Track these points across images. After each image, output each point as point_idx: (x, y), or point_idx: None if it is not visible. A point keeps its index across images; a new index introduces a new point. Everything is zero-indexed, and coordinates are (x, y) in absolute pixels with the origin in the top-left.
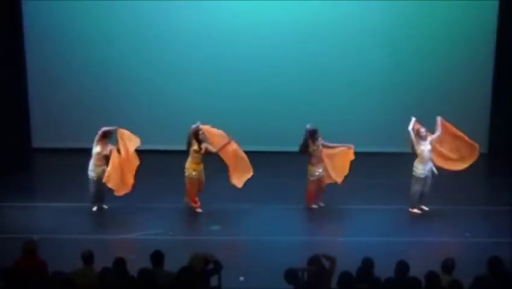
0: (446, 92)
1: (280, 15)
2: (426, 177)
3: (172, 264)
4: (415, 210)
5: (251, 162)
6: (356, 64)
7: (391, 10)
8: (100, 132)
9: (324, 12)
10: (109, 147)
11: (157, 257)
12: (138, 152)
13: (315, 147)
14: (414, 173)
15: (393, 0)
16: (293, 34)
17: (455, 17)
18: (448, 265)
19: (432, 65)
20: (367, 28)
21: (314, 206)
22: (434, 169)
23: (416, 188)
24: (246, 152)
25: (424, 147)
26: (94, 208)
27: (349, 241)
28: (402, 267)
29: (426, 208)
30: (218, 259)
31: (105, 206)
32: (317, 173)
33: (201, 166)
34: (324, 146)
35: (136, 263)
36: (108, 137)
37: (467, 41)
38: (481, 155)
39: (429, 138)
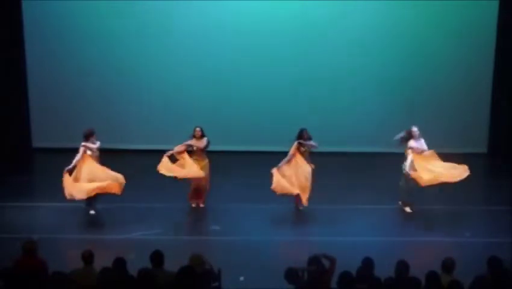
0: (446, 92)
1: (278, 16)
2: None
3: (172, 264)
4: (407, 208)
5: (251, 161)
6: (354, 64)
7: (390, 10)
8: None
9: (322, 12)
10: (97, 145)
11: (157, 257)
12: (140, 152)
13: (301, 149)
14: (404, 171)
15: (392, 0)
16: (291, 34)
17: (455, 17)
18: (448, 265)
19: (432, 65)
20: (365, 29)
21: (300, 208)
22: None
23: (405, 185)
24: (245, 152)
25: (418, 147)
26: (92, 212)
27: (349, 241)
28: (402, 267)
29: (412, 209)
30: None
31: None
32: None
33: (201, 163)
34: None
35: (136, 263)
36: (91, 137)
37: (467, 41)
38: (481, 155)
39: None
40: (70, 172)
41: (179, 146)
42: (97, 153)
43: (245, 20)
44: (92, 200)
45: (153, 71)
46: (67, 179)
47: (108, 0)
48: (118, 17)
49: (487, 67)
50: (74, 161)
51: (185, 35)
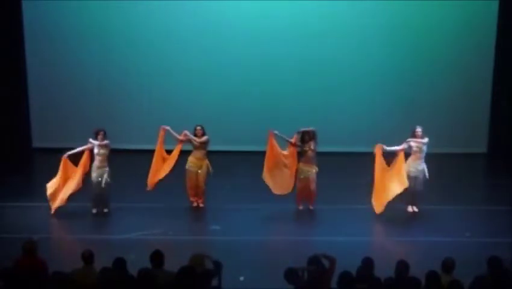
0: (446, 92)
1: (278, 16)
2: (415, 177)
3: (172, 264)
4: (409, 208)
5: (251, 161)
6: (354, 64)
7: (389, 10)
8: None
9: (322, 12)
10: (104, 142)
11: (157, 257)
12: (140, 152)
13: (306, 148)
14: (406, 172)
15: (391, 0)
16: (291, 35)
17: (455, 17)
18: (448, 265)
19: (432, 65)
20: (365, 28)
21: (300, 207)
22: (426, 171)
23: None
24: (245, 152)
25: (417, 147)
26: (94, 211)
27: (349, 241)
28: (402, 267)
29: (416, 209)
30: (218, 260)
31: (105, 210)
32: (302, 174)
33: (201, 162)
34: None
35: (136, 263)
36: (98, 135)
37: (467, 41)
38: (481, 155)
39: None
40: (71, 159)
41: (183, 134)
42: (104, 151)
43: (245, 20)
44: (99, 201)
45: (153, 71)
46: (57, 182)
47: (108, 1)
48: (118, 16)
49: (487, 67)
50: (77, 149)
51: (186, 35)
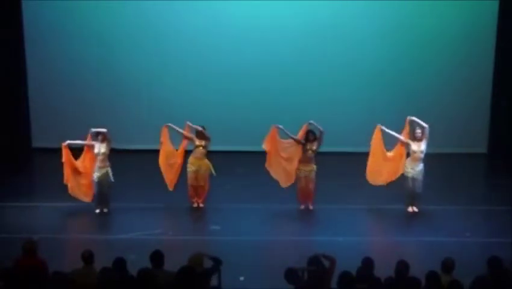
0: (446, 92)
1: (276, 16)
2: (413, 177)
3: (172, 264)
4: (409, 208)
5: (251, 161)
6: (355, 65)
7: (389, 11)
8: (93, 133)
9: (322, 13)
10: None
11: (157, 257)
12: (140, 152)
13: (307, 147)
14: (404, 172)
15: (391, 1)
16: (289, 35)
17: (455, 17)
18: (448, 265)
19: (432, 65)
20: (365, 28)
21: (302, 206)
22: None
23: (405, 187)
24: (245, 152)
25: (417, 148)
26: (97, 210)
27: (349, 241)
28: (402, 267)
29: (416, 209)
30: (217, 256)
31: (105, 210)
32: (301, 173)
33: (199, 162)
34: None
35: (136, 263)
36: (102, 135)
37: (467, 41)
38: (481, 155)
39: (424, 140)
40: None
41: (186, 126)
42: (104, 151)
43: (244, 20)
44: (101, 200)
45: (153, 71)
46: (68, 169)
47: (108, 1)
48: (118, 17)
49: (487, 67)
50: (78, 141)
51: (185, 35)
